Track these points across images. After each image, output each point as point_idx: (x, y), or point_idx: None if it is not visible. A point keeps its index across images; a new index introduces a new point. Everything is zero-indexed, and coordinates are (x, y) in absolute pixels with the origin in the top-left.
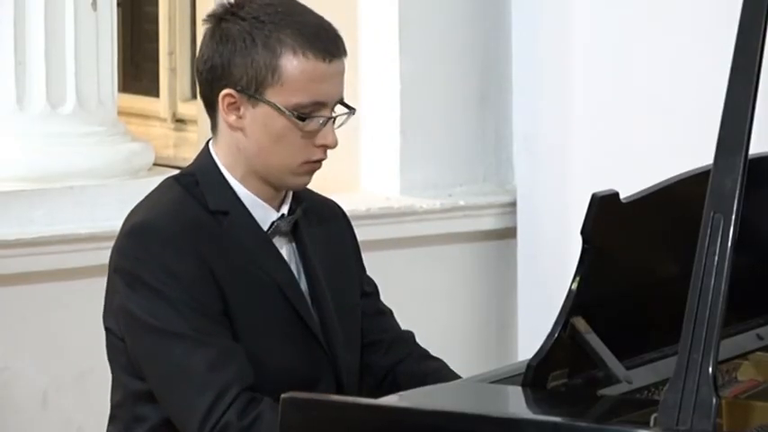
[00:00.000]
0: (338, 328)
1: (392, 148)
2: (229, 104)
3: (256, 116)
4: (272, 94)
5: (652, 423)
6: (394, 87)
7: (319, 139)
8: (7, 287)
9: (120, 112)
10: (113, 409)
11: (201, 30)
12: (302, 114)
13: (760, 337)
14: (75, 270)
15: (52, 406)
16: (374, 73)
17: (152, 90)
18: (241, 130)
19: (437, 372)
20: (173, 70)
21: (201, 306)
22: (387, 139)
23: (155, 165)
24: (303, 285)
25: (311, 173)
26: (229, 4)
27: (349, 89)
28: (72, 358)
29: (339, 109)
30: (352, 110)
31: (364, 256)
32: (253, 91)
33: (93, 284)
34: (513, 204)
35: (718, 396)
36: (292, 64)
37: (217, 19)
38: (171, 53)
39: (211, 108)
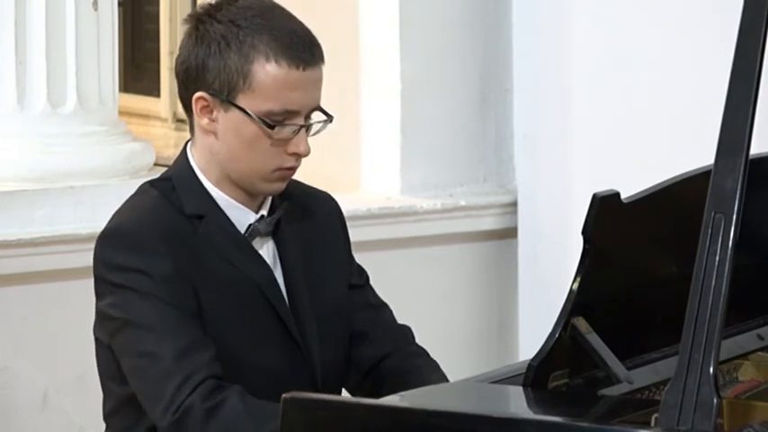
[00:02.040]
0: (315, 326)
1: (392, 147)
2: (202, 108)
3: (228, 121)
4: (243, 100)
5: (653, 423)
6: (394, 87)
7: (291, 148)
8: (7, 287)
9: (121, 112)
10: (107, 419)
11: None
12: (273, 122)
13: (761, 338)
14: (76, 270)
15: (52, 406)
16: (374, 73)
17: (153, 90)
18: (213, 133)
19: (420, 369)
20: (173, 70)
21: (173, 300)
22: (387, 138)
23: (155, 165)
24: (282, 286)
25: (284, 179)
26: (209, 5)
27: (349, 89)
28: (72, 358)
29: (317, 116)
30: (329, 118)
31: (364, 256)
32: (225, 95)
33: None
34: (514, 204)
35: (718, 396)
36: (264, 70)
37: (196, 20)
38: (172, 53)
39: (188, 109)
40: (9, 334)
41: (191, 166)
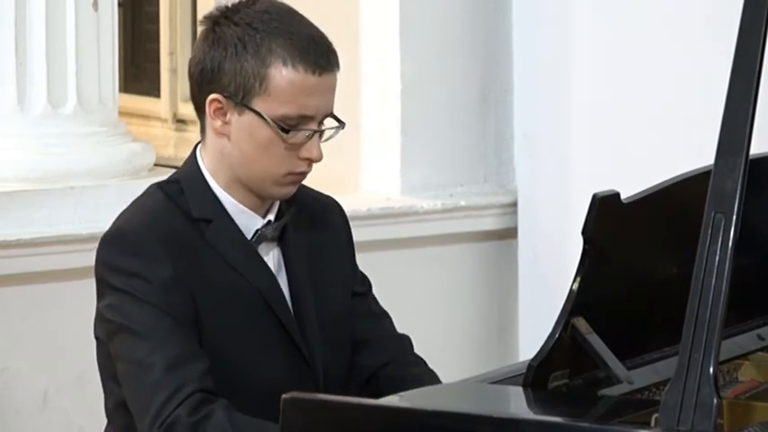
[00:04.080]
0: (319, 335)
1: (393, 148)
2: (216, 110)
3: (242, 124)
4: (258, 104)
5: (653, 423)
6: (394, 87)
7: (303, 152)
8: (7, 287)
9: (121, 113)
10: (108, 414)
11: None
12: (287, 126)
13: (761, 338)
14: (76, 270)
15: (52, 406)
16: (375, 73)
17: (153, 90)
18: (226, 136)
19: (418, 378)
20: (173, 71)
21: (170, 308)
22: (387, 139)
23: (155, 165)
24: (286, 292)
25: (294, 184)
26: (226, 7)
27: (349, 90)
28: (72, 358)
29: (329, 122)
30: (341, 124)
31: (365, 256)
32: (240, 98)
33: (93, 285)
34: (514, 205)
35: (718, 396)
36: (281, 74)
37: (212, 21)
38: (172, 53)
39: (200, 111)
40: (9, 334)
41: (199, 169)
